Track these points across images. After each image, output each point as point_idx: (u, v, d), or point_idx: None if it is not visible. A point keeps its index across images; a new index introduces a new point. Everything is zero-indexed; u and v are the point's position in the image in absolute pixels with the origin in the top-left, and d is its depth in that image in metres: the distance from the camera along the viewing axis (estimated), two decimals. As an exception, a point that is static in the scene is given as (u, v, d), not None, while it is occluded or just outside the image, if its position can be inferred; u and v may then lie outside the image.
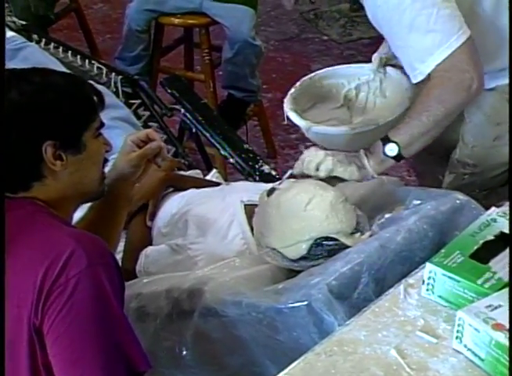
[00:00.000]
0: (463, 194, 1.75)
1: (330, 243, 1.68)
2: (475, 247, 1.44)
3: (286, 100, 2.05)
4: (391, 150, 1.78)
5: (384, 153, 1.79)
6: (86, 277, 1.30)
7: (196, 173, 2.27)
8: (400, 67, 2.06)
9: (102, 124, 1.52)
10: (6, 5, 2.68)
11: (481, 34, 1.87)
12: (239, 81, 3.39)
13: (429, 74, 1.81)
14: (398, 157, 1.80)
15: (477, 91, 1.81)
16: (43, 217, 1.41)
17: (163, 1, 3.26)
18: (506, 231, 1.48)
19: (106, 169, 1.62)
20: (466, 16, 1.82)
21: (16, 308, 1.31)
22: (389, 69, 2.13)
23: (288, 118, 2.01)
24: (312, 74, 2.16)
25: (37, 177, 1.43)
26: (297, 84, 2.10)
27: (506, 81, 1.93)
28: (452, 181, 2.15)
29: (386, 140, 1.79)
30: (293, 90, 2.08)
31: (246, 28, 3.28)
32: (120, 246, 1.90)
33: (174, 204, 2.00)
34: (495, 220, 1.52)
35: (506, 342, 1.23)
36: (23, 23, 2.71)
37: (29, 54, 2.55)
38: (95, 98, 1.51)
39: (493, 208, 1.57)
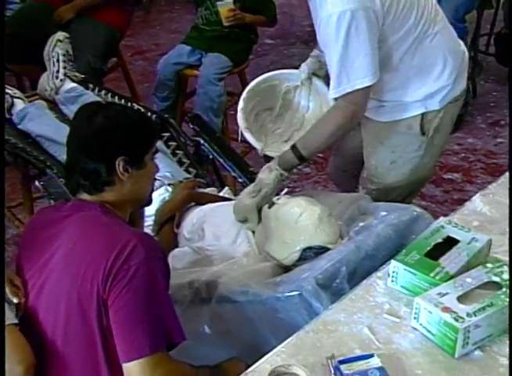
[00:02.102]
0: (420, 207, 1.74)
1: (317, 247, 1.67)
2: (428, 248, 1.44)
3: (240, 119, 2.06)
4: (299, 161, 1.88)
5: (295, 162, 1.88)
6: (143, 266, 1.31)
7: (212, 190, 2.27)
8: (323, 78, 2.14)
9: (156, 150, 1.55)
10: (71, 63, 2.70)
11: (387, 78, 1.85)
12: (204, 112, 3.11)
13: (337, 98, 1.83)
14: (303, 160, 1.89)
15: (359, 120, 1.91)
16: (110, 217, 1.43)
17: (181, 54, 3.27)
18: (452, 235, 1.48)
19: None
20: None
21: (90, 285, 1.32)
22: (314, 79, 2.17)
23: (242, 136, 2.09)
24: (253, 83, 2.16)
25: (109, 183, 1.45)
26: (244, 95, 2.11)
27: (395, 117, 1.95)
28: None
29: (297, 153, 1.86)
30: (242, 105, 2.08)
31: (212, 69, 3.12)
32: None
33: (194, 216, 2.00)
34: (443, 227, 1.52)
35: (452, 321, 1.24)
36: (83, 76, 2.72)
37: (86, 99, 2.55)
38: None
39: (441, 218, 1.57)
